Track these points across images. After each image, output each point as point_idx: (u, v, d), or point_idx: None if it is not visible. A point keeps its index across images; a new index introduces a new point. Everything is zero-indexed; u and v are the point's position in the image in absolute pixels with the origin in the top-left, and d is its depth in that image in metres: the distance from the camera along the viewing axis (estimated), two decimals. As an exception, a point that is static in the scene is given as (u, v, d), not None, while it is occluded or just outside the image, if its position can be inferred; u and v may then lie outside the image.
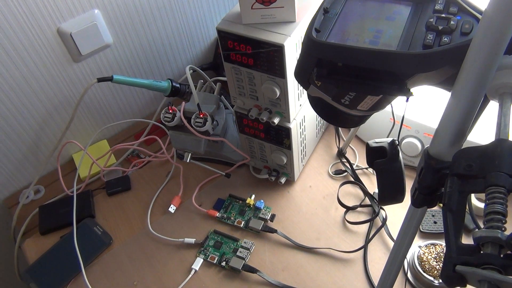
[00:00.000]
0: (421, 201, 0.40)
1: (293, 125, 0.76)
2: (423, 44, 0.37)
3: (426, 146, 0.40)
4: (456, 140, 0.36)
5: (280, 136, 0.78)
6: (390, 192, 0.50)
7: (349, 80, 0.39)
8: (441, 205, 0.38)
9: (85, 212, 0.87)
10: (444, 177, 0.35)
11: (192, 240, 0.80)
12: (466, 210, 0.34)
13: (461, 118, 0.35)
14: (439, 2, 0.40)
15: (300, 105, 0.77)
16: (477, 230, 0.29)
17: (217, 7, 1.03)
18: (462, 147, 0.36)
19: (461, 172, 0.32)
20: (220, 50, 1.03)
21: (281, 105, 0.73)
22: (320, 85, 0.42)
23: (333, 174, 0.87)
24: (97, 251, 0.82)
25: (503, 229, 0.28)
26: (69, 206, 0.86)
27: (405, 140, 0.81)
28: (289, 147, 0.79)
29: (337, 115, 0.46)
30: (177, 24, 0.98)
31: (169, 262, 0.79)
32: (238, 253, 0.77)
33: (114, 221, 0.86)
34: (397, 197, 0.51)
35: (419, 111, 0.78)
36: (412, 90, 0.40)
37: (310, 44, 0.39)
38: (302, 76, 0.42)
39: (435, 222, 0.76)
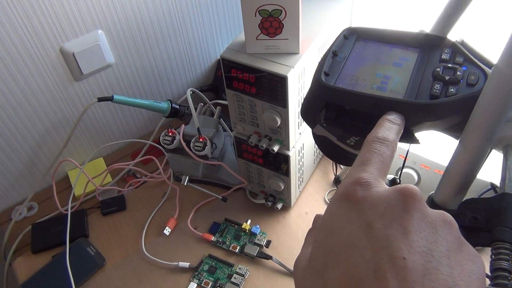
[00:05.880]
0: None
1: (292, 153, 0.76)
2: (430, 94, 0.37)
3: (431, 193, 0.40)
4: (462, 189, 0.37)
5: (279, 163, 0.78)
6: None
7: (356, 124, 0.39)
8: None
9: (78, 232, 0.86)
10: (448, 225, 0.35)
11: (187, 264, 0.79)
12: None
13: (468, 168, 0.36)
14: (446, 51, 0.41)
15: (300, 134, 0.77)
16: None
17: (219, 30, 1.04)
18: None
19: (467, 224, 0.33)
20: (220, 72, 1.04)
21: (281, 133, 0.73)
22: (326, 125, 0.43)
23: (330, 200, 0.88)
24: (89, 272, 0.81)
25: (509, 286, 0.29)
26: (63, 224, 0.85)
27: (402, 171, 0.82)
28: (287, 173, 0.79)
29: (342, 154, 0.46)
30: (179, 46, 0.99)
31: (162, 286, 0.78)
32: (232, 279, 0.77)
33: (107, 241, 0.86)
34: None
35: (416, 143, 0.80)
36: (417, 135, 0.40)
37: (319, 88, 0.40)
38: (309, 116, 0.43)
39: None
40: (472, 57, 0.40)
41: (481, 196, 0.71)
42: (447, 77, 0.38)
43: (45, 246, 0.85)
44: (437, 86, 0.38)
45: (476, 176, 0.37)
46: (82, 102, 0.91)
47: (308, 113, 0.42)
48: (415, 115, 0.37)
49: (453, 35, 0.47)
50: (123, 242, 0.85)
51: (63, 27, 0.80)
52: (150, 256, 0.81)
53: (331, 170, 0.94)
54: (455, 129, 0.39)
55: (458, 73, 0.38)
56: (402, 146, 0.80)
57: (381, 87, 0.40)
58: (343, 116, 0.40)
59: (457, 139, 0.40)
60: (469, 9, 0.45)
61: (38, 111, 0.86)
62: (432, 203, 0.39)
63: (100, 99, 0.83)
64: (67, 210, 0.87)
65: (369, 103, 0.38)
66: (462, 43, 0.44)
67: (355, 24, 0.85)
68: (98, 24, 0.84)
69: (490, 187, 0.70)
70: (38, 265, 0.82)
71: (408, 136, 0.38)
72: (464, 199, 0.39)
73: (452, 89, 0.37)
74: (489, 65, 0.40)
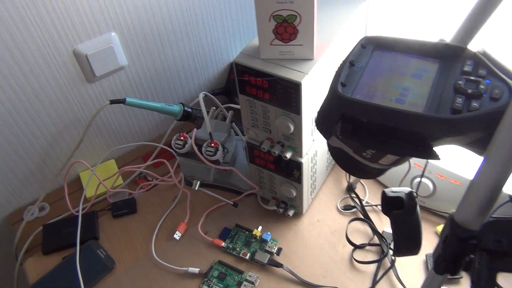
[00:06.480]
0: (444, 268, 0.39)
1: (305, 160, 0.75)
2: (452, 108, 0.36)
3: (452, 211, 0.39)
4: (486, 209, 0.36)
5: (291, 169, 0.77)
6: (406, 244, 0.49)
7: (373, 138, 0.38)
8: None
9: (89, 234, 0.86)
10: (470, 246, 0.34)
11: (196, 270, 0.79)
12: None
13: (493, 186, 0.34)
14: (468, 63, 0.40)
15: (313, 140, 0.76)
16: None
17: (232, 33, 1.04)
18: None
19: (490, 248, 0.31)
20: (233, 76, 1.03)
21: (294, 140, 0.72)
22: (342, 137, 0.41)
23: (342, 209, 0.86)
24: (99, 275, 0.80)
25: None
26: (74, 226, 0.85)
27: (416, 180, 0.80)
28: (299, 180, 0.78)
29: (357, 166, 0.45)
30: (192, 48, 0.98)
31: (171, 291, 0.77)
32: (242, 287, 0.76)
33: (118, 244, 0.85)
34: (413, 250, 0.50)
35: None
36: (436, 149, 0.39)
37: (335, 99, 0.39)
38: (324, 127, 0.42)
39: (444, 266, 0.74)
40: (496, 70, 0.38)
41: (499, 209, 0.69)
42: (469, 91, 0.37)
43: (55, 247, 0.85)
44: (459, 100, 0.36)
45: (500, 194, 0.36)
46: (94, 104, 0.91)
47: (324, 124, 0.41)
48: (436, 130, 0.35)
49: (474, 45, 0.46)
50: (133, 245, 0.85)
51: (77, 29, 0.79)
52: (159, 260, 0.81)
53: (344, 177, 0.92)
54: (476, 145, 0.38)
55: (481, 86, 0.37)
56: (420, 160, 0.78)
57: (400, 99, 0.38)
58: (360, 129, 0.39)
59: (479, 154, 0.39)
60: (491, 19, 0.43)
61: (51, 112, 0.86)
62: (453, 222, 0.38)
63: (113, 102, 0.83)
64: (78, 211, 0.86)
65: (387, 116, 0.37)
66: (484, 54, 0.42)
67: (370, 31, 0.83)
68: (111, 26, 0.83)
69: (508, 199, 0.68)
70: (49, 266, 0.82)
71: (427, 151, 0.37)
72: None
73: (475, 104, 0.36)
74: (513, 78, 0.38)
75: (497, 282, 0.31)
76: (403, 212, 0.48)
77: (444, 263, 0.38)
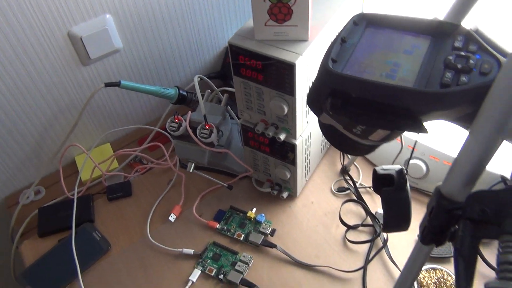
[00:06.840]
0: (430, 239, 0.40)
1: (299, 142, 0.75)
2: (441, 83, 0.36)
3: (438, 184, 0.39)
4: (471, 181, 0.36)
5: (285, 152, 0.77)
6: (395, 220, 0.50)
7: (363, 113, 0.38)
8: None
9: (84, 217, 0.86)
10: (455, 217, 0.35)
11: (191, 251, 0.80)
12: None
13: (478, 159, 0.35)
14: (459, 39, 0.40)
15: (307, 122, 0.77)
16: (489, 280, 0.29)
17: (228, 17, 1.03)
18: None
19: (475, 217, 0.32)
20: (228, 59, 1.03)
21: (288, 122, 0.72)
22: (332, 113, 0.42)
23: (336, 191, 0.87)
24: (94, 257, 0.81)
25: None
26: (69, 209, 0.85)
27: (410, 162, 0.81)
28: (293, 162, 0.79)
29: (347, 143, 0.45)
30: (187, 32, 0.98)
31: (166, 272, 0.78)
32: (236, 267, 0.77)
33: (113, 227, 0.86)
34: (402, 226, 0.51)
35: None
36: (425, 124, 0.39)
37: (326, 75, 0.39)
38: (315, 103, 0.42)
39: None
40: (487, 46, 0.39)
41: (491, 189, 0.70)
42: (459, 66, 0.37)
43: (51, 230, 0.86)
44: (449, 75, 0.37)
45: (485, 167, 0.36)
46: (89, 87, 0.91)
47: (314, 100, 0.42)
48: (424, 104, 0.36)
49: (467, 23, 0.46)
50: (128, 227, 0.86)
51: (71, 11, 0.79)
52: (154, 242, 0.81)
53: (338, 160, 0.93)
54: (465, 119, 0.38)
55: (471, 61, 0.37)
56: (410, 135, 0.79)
57: (390, 74, 0.39)
58: (349, 104, 0.39)
59: (467, 130, 0.39)
60: (484, -4, 0.44)
61: (45, 95, 0.86)
62: (439, 194, 0.38)
63: (107, 85, 0.83)
64: (73, 195, 0.87)
65: (377, 91, 0.37)
66: (477, 31, 0.42)
67: (366, 11, 0.83)
68: (106, 8, 0.83)
69: (500, 179, 0.69)
70: (45, 248, 0.82)
71: (416, 125, 0.37)
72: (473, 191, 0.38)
73: (464, 78, 0.36)
74: (504, 54, 0.39)
75: (479, 249, 0.32)
76: (393, 189, 0.48)
77: (430, 234, 0.39)
